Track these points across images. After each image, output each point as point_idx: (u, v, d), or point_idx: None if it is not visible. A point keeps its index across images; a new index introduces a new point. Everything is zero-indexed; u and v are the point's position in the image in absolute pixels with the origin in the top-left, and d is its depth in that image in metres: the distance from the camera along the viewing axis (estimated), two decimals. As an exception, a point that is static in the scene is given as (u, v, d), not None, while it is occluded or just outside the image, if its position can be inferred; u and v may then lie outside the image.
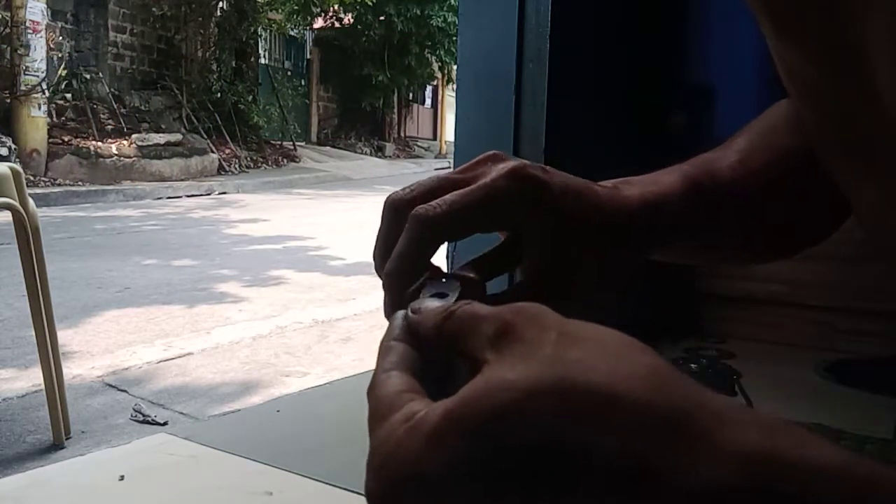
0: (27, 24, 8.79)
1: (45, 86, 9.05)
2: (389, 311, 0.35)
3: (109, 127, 10.10)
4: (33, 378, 2.37)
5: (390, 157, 17.05)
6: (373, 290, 3.92)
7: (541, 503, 0.24)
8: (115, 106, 10.53)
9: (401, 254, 0.37)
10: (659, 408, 0.23)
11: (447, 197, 0.37)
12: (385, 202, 0.39)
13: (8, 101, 8.83)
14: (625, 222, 0.41)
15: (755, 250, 0.50)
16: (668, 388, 0.24)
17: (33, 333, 1.93)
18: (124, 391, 2.46)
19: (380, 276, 0.38)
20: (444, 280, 0.36)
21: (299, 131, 15.32)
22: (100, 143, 9.60)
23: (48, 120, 9.22)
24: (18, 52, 8.79)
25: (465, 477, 0.24)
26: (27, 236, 1.87)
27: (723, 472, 0.22)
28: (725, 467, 0.22)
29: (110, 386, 2.51)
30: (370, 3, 13.99)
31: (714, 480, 0.22)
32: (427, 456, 0.25)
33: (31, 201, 1.95)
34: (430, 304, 0.33)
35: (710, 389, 0.25)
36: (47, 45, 9.15)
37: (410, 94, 18.94)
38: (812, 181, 0.43)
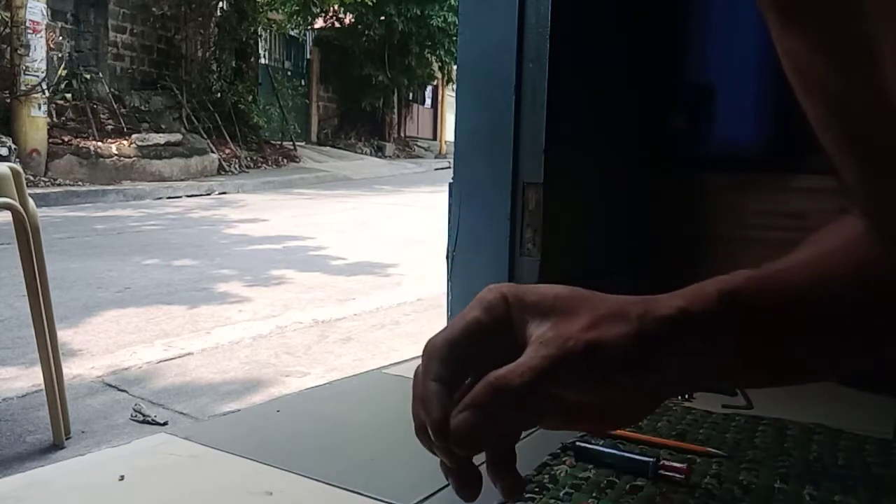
0: (27, 24, 8.79)
1: (45, 86, 9.05)
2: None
3: (109, 127, 10.10)
4: (33, 378, 2.37)
5: (390, 157, 17.05)
6: (373, 290, 3.91)
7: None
8: (115, 106, 10.53)
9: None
10: (608, 309, 0.45)
11: None
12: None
13: (8, 101, 8.83)
14: None
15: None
16: (609, 300, 0.46)
17: (33, 333, 1.93)
18: (124, 391, 2.46)
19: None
20: None
21: (299, 131, 15.32)
22: (100, 143, 9.60)
23: (48, 120, 9.22)
24: (18, 52, 8.79)
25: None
26: (27, 236, 1.87)
27: (643, 328, 0.44)
28: (643, 326, 0.44)
29: (110, 386, 2.51)
30: (370, 3, 14.00)
31: (642, 331, 0.43)
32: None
33: (31, 201, 1.94)
34: None
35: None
36: (47, 45, 9.15)
37: (410, 94, 18.94)
38: None
